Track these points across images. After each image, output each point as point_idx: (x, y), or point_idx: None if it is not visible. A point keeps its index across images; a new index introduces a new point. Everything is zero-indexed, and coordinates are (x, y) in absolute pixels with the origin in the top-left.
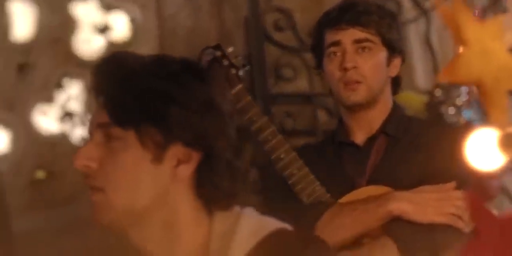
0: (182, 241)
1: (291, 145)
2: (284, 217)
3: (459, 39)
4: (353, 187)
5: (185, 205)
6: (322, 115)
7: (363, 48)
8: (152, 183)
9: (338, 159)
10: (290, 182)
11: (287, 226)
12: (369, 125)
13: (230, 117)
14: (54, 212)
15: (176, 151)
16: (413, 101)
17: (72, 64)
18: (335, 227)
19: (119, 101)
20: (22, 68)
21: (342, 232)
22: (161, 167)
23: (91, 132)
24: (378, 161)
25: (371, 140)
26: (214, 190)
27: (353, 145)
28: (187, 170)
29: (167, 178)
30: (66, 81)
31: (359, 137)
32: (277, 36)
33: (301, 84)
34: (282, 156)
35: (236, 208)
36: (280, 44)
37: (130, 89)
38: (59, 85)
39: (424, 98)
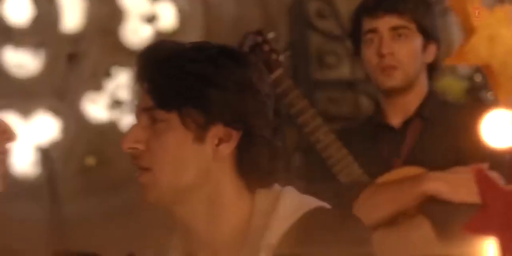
0: (224, 217)
1: (333, 130)
2: (323, 196)
3: (468, 26)
4: (389, 168)
5: (227, 182)
6: (364, 101)
7: (399, 35)
8: (195, 162)
9: (375, 141)
10: (329, 163)
11: (325, 204)
12: (405, 109)
13: (268, 98)
14: (104, 198)
15: (217, 131)
16: (453, 87)
17: (121, 53)
18: (372, 206)
19: (161, 85)
20: (72, 58)
21: (378, 211)
22: (203, 147)
23: (137, 116)
24: (414, 143)
25: (407, 123)
26: (254, 167)
27: (389, 127)
28: (228, 149)
29: (209, 157)
30: (114, 70)
31: (396, 120)
32: (321, 23)
33: (344, 70)
34: (321, 138)
35: (277, 187)
36: (323, 32)
37: (171, 74)
38: (108, 74)
39: (465, 84)
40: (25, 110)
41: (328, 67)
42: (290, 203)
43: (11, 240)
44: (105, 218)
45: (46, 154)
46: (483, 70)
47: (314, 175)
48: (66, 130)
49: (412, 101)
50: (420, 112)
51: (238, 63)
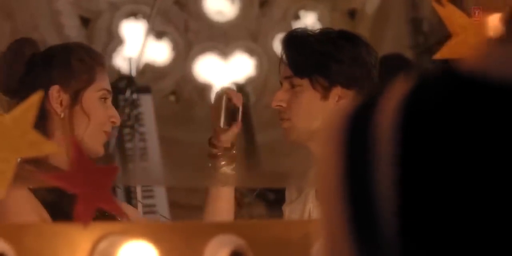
0: None
1: None
2: None
3: (452, 29)
4: None
5: None
6: None
7: None
8: (322, 113)
9: None
10: None
11: None
12: None
13: (373, 67)
14: None
15: (337, 91)
16: None
17: None
18: None
19: (297, 60)
20: (264, 4)
21: None
22: (327, 103)
23: (281, 82)
24: None
25: None
26: None
27: None
28: (345, 103)
29: (332, 109)
30: (302, 14)
31: None
32: None
33: None
34: None
35: None
36: None
37: (304, 52)
38: (296, 17)
39: None
40: (225, 52)
41: None
42: None
43: None
44: (291, 147)
45: (242, 89)
46: None
47: None
48: (259, 68)
49: None
50: None
51: (351, 42)
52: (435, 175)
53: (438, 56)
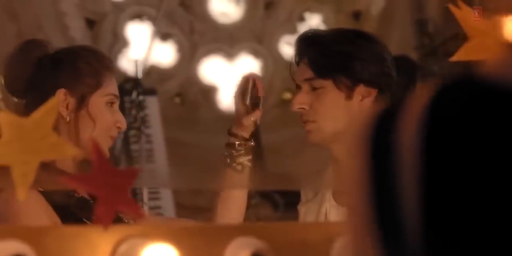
0: None
1: None
2: None
3: (468, 31)
4: None
5: None
6: None
7: None
8: (347, 113)
9: None
10: None
11: None
12: None
13: (391, 63)
14: (298, 129)
15: (360, 90)
16: None
17: (311, 0)
18: None
19: (320, 61)
20: (269, 5)
21: None
22: (352, 102)
23: (298, 85)
24: None
25: None
26: None
27: None
28: (368, 102)
29: (356, 109)
30: (307, 15)
31: None
32: None
33: None
34: None
35: None
36: None
37: (325, 53)
38: (301, 19)
39: None
40: (230, 53)
41: None
42: None
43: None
44: (296, 148)
45: None
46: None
47: None
48: (264, 69)
49: None
50: None
51: (367, 40)
52: (458, 179)
53: (454, 58)
